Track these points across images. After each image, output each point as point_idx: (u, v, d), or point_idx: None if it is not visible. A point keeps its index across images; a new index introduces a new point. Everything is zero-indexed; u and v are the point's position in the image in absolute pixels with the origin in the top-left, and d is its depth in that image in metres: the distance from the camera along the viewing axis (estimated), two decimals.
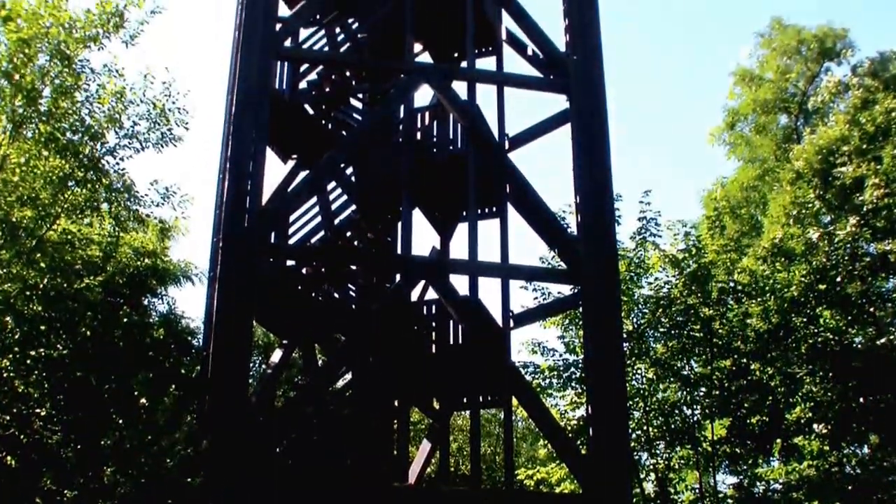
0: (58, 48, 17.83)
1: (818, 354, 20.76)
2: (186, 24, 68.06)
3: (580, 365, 21.24)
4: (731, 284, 22.15)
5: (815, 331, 21.11)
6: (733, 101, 37.34)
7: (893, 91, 26.75)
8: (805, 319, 21.24)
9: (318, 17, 18.90)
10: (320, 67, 18.32)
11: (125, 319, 18.20)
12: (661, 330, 21.66)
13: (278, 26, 16.24)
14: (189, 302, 70.23)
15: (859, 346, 21.07)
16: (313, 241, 17.73)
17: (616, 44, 66.87)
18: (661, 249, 22.45)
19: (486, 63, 18.51)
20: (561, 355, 22.04)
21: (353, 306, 17.26)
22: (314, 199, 17.69)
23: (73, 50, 18.01)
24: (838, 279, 21.32)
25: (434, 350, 15.64)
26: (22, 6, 17.48)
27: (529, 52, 17.84)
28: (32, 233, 17.34)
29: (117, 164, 18.54)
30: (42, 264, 17.37)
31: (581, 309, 15.92)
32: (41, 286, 17.29)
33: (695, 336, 21.33)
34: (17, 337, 17.00)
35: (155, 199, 19.02)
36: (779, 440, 21.10)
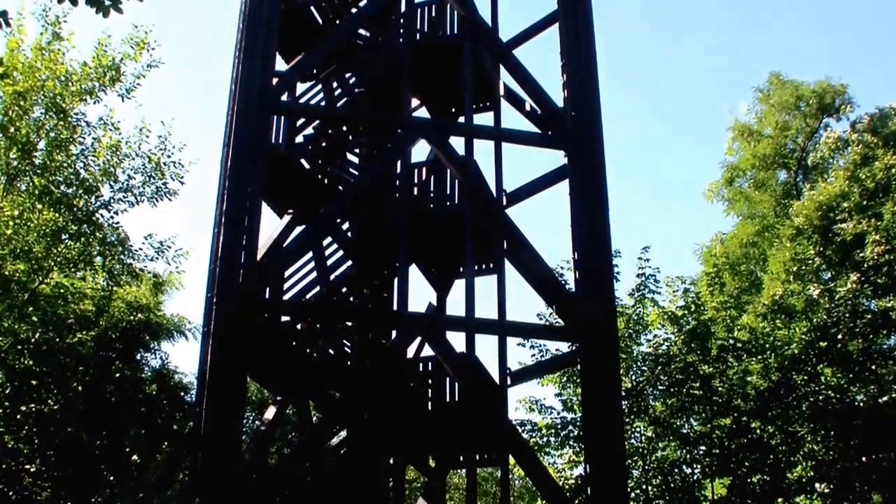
0: (53, 101, 17.99)
1: (819, 413, 20.67)
2: (183, 77, 68.58)
3: (578, 423, 21.15)
4: (731, 342, 22.12)
5: (817, 388, 21.04)
6: (732, 157, 37.56)
7: (893, 147, 26.88)
8: (806, 377, 21.19)
9: (314, 71, 19.05)
10: (317, 122, 18.42)
11: (117, 374, 18.18)
12: (661, 387, 21.60)
13: (275, 80, 16.35)
14: (183, 357, 70.21)
15: (861, 404, 20.97)
16: (309, 296, 17.71)
17: (614, 99, 67.36)
18: (661, 306, 22.47)
19: (484, 118, 18.65)
20: (558, 413, 21.97)
21: (349, 363, 17.20)
22: (310, 254, 17.70)
23: (69, 103, 18.19)
24: (839, 336, 21.29)
25: (430, 407, 15.55)
26: (19, 59, 17.64)
27: (527, 108, 17.97)
28: (25, 286, 17.36)
29: (111, 217, 18.65)
30: (34, 318, 17.39)
31: (579, 366, 15.87)
32: (33, 340, 17.28)
33: (694, 394, 21.26)
34: (7, 391, 16.97)
35: (149, 253, 19.10)
36: (780, 499, 20.93)
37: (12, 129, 17.34)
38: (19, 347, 16.93)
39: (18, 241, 17.39)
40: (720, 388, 21.35)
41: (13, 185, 17.64)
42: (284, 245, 16.73)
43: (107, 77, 18.48)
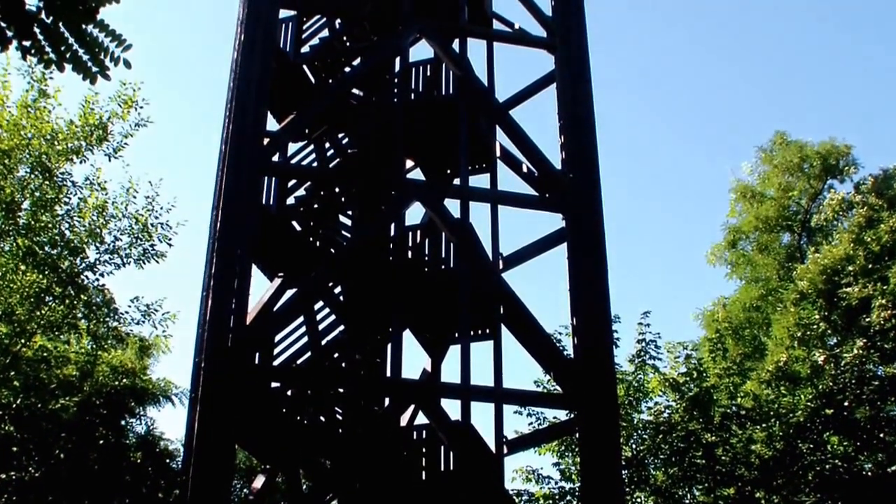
0: (39, 160, 18.07)
1: (826, 482, 20.57)
2: (173, 135, 69.02)
3: (577, 493, 21.01)
4: (735, 409, 22.07)
5: (823, 457, 20.96)
6: (734, 219, 37.69)
7: None
8: (812, 445, 21.11)
9: (306, 131, 19.17)
10: (309, 183, 18.51)
11: (101, 441, 18.08)
12: (662, 457, 21.50)
13: (266, 140, 16.44)
14: (169, 423, 69.79)
15: (869, 473, 20.89)
16: (299, 361, 17.67)
17: (613, 159, 67.86)
18: (662, 373, 22.46)
19: (481, 180, 18.72)
20: (556, 483, 21.82)
21: (340, 430, 17.12)
22: (301, 319, 17.68)
23: (55, 162, 18.28)
24: (846, 403, 21.25)
25: (424, 477, 15.47)
26: (4, 116, 17.75)
27: (524, 170, 18.07)
28: (7, 349, 17.34)
29: (97, 279, 18.67)
30: (16, 383, 17.33)
31: (578, 435, 15.81)
32: (14, 406, 17.22)
33: (697, 463, 21.16)
34: None
35: (135, 316, 19.10)
36: None
37: None
38: (0, 413, 16.89)
39: (0, 303, 17.40)
40: (723, 458, 21.26)
41: None
42: (275, 309, 16.74)
43: (93, 136, 18.59)
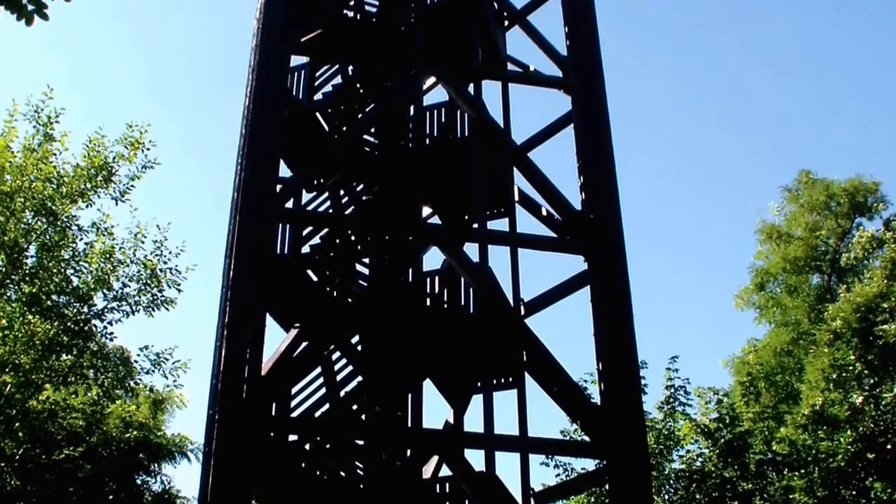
0: (43, 204, 18.01)
1: None
2: (182, 177, 69.39)
3: None
4: (771, 455, 21.70)
5: None
6: (761, 261, 37.41)
7: None
8: (855, 492, 20.73)
9: (321, 179, 19.12)
10: (324, 230, 18.42)
11: (111, 497, 17.86)
12: None
13: (279, 187, 16.39)
14: (186, 480, 69.36)
15: None
16: (317, 413, 17.47)
17: (634, 200, 67.74)
18: (692, 419, 22.15)
19: (499, 225, 18.60)
20: None
21: (361, 484, 16.88)
22: (318, 369, 17.51)
23: (60, 205, 18.20)
24: (888, 446, 20.86)
25: None
26: (7, 158, 17.73)
27: (544, 213, 17.94)
28: (11, 399, 17.18)
29: (105, 327, 18.54)
30: (20, 434, 17.15)
31: (607, 486, 15.56)
32: (17, 457, 17.02)
33: None
34: None
35: (145, 365, 18.94)
36: None
37: None
38: (2, 466, 16.66)
39: (5, 353, 17.23)
40: None
41: (0, 293, 17.60)
42: (291, 359, 16.58)
43: (99, 178, 18.53)
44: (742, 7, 71.22)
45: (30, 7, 7.01)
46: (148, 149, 19.58)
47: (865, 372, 23.32)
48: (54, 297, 17.93)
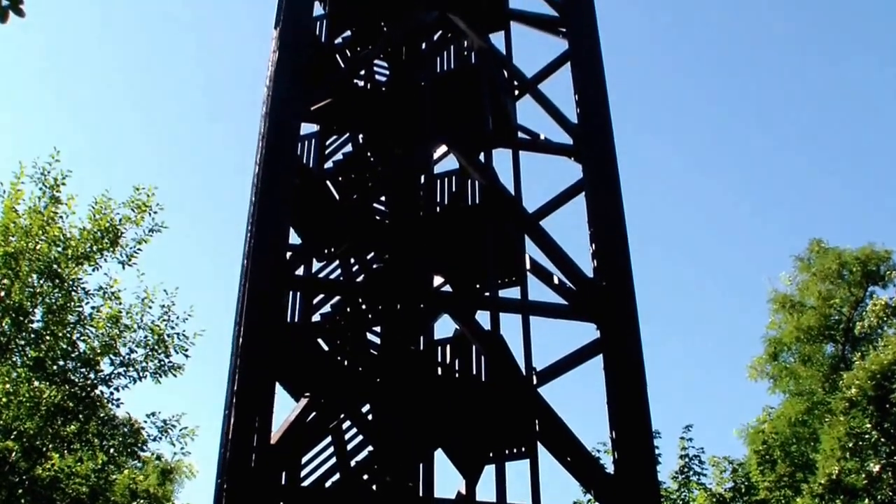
0: (49, 266, 17.98)
1: None
2: (190, 241, 69.52)
3: None
4: None
5: None
6: (774, 331, 37.23)
7: None
8: None
9: (331, 248, 19.14)
10: (335, 299, 18.39)
11: None
12: None
13: (289, 254, 16.40)
14: None
15: None
16: (328, 483, 17.31)
17: (646, 268, 67.69)
18: (707, 489, 21.92)
19: (511, 293, 18.54)
20: None
21: None
22: (328, 439, 17.39)
23: (66, 268, 18.16)
24: None
25: None
26: (11, 219, 17.72)
27: (556, 280, 17.90)
28: (15, 466, 17.02)
29: (112, 393, 18.40)
30: (23, 501, 16.98)
31: None
32: None
33: None
34: None
35: (152, 432, 18.78)
36: None
37: (2, 294, 17.26)
38: None
39: (8, 419, 17.07)
40: None
41: (4, 357, 17.49)
42: (301, 427, 16.47)
43: (105, 240, 18.48)
44: (753, 72, 71.78)
45: (4, 3, 6.87)
46: (155, 212, 19.66)
47: (882, 440, 23.10)
48: (60, 361, 17.82)
